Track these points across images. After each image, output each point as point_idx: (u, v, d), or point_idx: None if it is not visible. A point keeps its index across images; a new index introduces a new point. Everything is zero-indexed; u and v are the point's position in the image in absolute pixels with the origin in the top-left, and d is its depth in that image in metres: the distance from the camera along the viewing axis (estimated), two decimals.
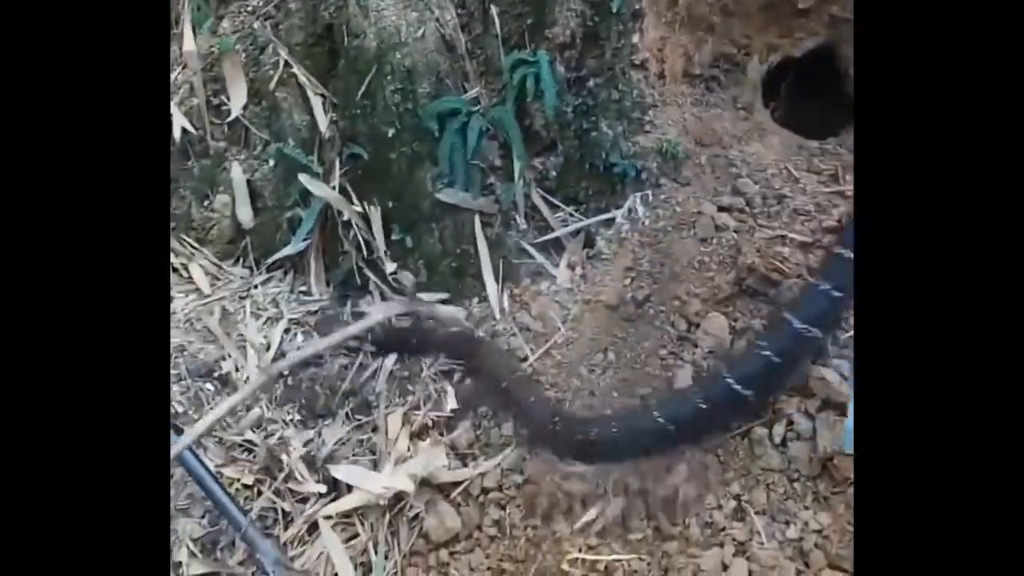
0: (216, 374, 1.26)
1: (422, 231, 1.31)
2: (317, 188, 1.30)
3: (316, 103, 1.33)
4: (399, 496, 1.07)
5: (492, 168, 1.30)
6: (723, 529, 0.90)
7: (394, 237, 1.31)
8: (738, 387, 0.91)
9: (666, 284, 1.15)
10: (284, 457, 1.16)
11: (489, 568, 1.00)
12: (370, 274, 1.33)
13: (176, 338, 1.29)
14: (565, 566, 0.94)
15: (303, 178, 1.30)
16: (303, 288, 1.41)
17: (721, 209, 1.19)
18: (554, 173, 1.31)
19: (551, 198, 1.32)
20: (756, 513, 0.89)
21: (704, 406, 0.93)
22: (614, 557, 0.93)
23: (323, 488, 1.13)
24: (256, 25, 1.38)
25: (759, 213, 1.16)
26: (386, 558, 1.03)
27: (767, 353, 0.91)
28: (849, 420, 0.85)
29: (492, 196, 1.30)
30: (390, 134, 1.26)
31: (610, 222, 1.29)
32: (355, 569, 1.05)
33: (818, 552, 0.85)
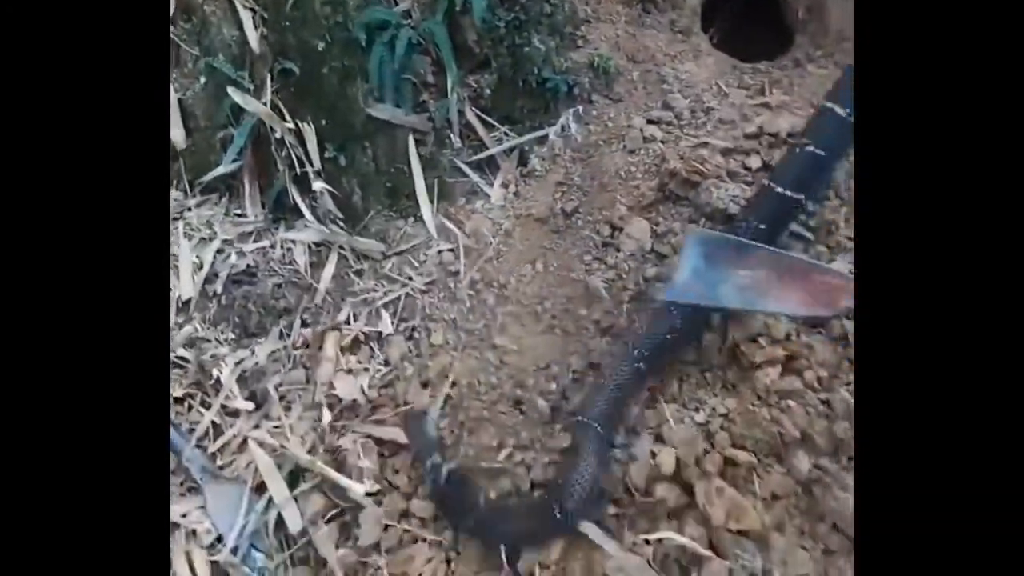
0: None
1: (355, 149, 1.30)
2: (248, 104, 1.28)
3: (246, 17, 1.30)
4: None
5: (425, 85, 1.29)
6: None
7: (328, 155, 1.30)
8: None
9: (595, 195, 1.17)
10: (215, 372, 1.16)
11: None
12: (296, 197, 1.31)
13: None
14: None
15: (233, 92, 1.27)
16: (238, 211, 1.39)
17: (650, 122, 1.20)
18: (488, 91, 1.30)
19: (486, 117, 1.32)
20: (666, 402, 0.93)
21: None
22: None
23: (251, 405, 1.14)
24: None
25: (686, 124, 1.18)
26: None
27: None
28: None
29: (426, 114, 1.30)
30: (320, 48, 1.25)
31: (544, 139, 1.30)
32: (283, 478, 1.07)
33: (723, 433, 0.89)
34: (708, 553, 0.80)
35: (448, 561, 0.94)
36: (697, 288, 0.88)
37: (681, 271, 0.89)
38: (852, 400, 0.85)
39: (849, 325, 0.90)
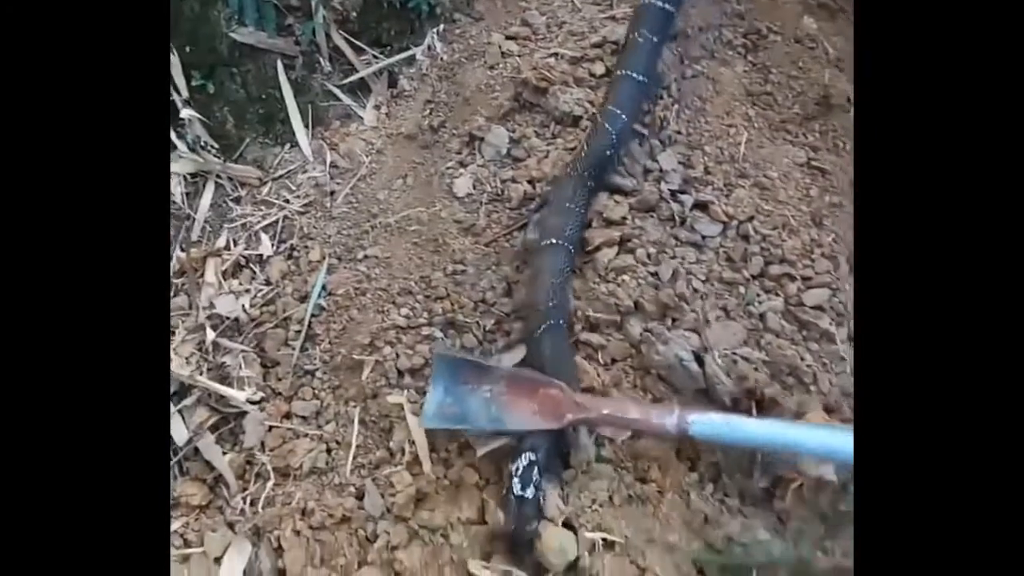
0: None
1: (224, 76, 1.30)
2: None
3: None
4: None
5: (289, 8, 1.30)
6: None
7: (195, 83, 1.29)
8: None
9: (458, 110, 1.22)
10: None
11: None
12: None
13: None
14: None
15: None
16: None
17: (508, 38, 1.25)
18: (354, 14, 1.32)
19: (353, 40, 1.34)
20: None
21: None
22: None
23: None
24: None
25: (541, 39, 1.24)
26: None
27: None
28: None
29: (292, 37, 1.31)
30: None
31: (412, 60, 1.34)
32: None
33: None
34: None
35: (328, 451, 1.01)
36: (449, 407, 0.93)
37: (434, 391, 0.95)
38: (676, 268, 0.96)
39: (676, 207, 1.01)
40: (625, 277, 0.97)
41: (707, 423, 0.82)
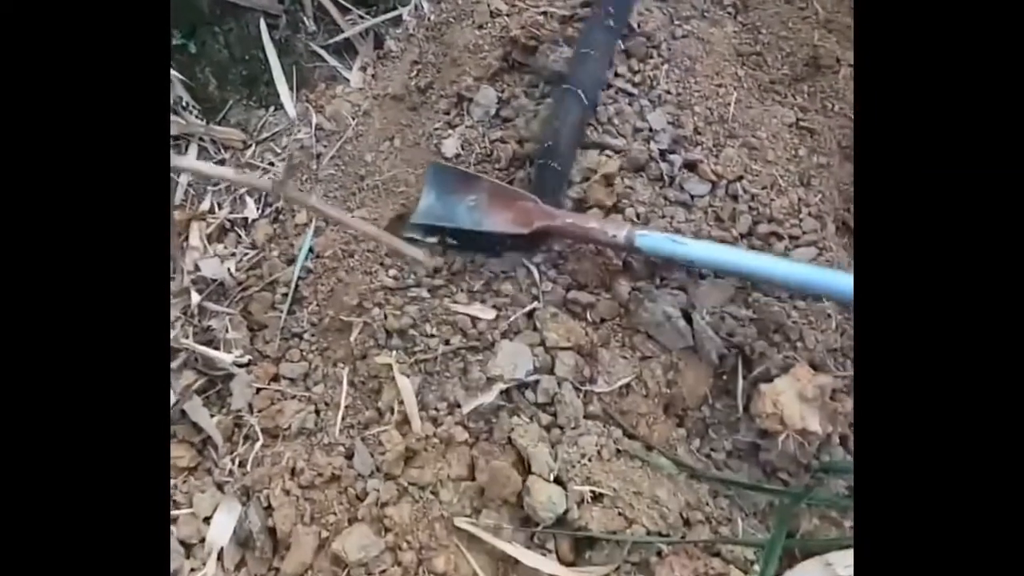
0: None
1: (206, 35, 1.27)
2: None
3: None
4: None
5: None
6: None
7: (176, 42, 1.26)
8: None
9: (447, 70, 1.20)
10: None
11: None
12: None
13: None
14: None
15: None
16: None
17: None
18: None
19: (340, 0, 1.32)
20: None
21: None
22: None
23: None
24: None
25: None
26: None
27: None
28: None
29: None
30: None
31: (398, 20, 1.31)
32: None
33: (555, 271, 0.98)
34: None
35: (317, 412, 1.01)
36: (437, 209, 1.05)
37: (426, 197, 1.07)
38: (665, 227, 0.96)
39: (666, 167, 1.00)
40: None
41: (651, 237, 0.90)
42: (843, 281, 0.80)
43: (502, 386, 0.92)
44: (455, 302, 1.00)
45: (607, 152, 1.01)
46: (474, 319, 0.98)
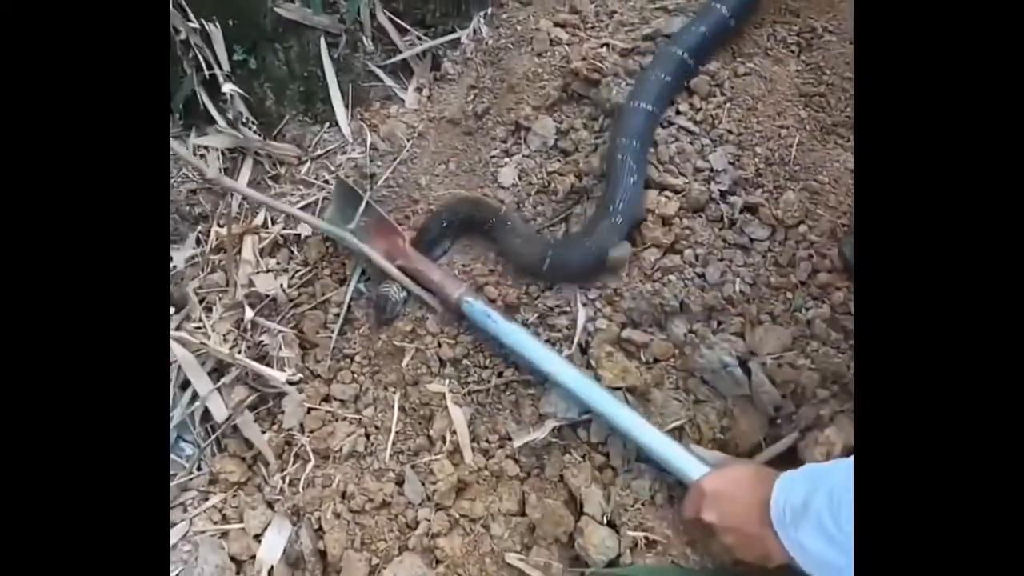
0: None
1: (266, 51, 1.29)
2: None
3: None
4: None
5: None
6: None
7: (236, 57, 1.28)
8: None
9: (504, 97, 1.20)
10: None
11: None
12: (206, 102, 1.29)
13: None
14: None
15: None
16: None
17: (557, 25, 1.23)
18: None
19: (398, 20, 1.32)
20: None
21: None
22: None
23: (172, 309, 1.17)
24: None
25: (590, 27, 1.22)
26: None
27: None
28: None
29: (336, 14, 1.29)
30: None
31: (456, 43, 1.32)
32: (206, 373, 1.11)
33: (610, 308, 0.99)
34: None
35: (367, 435, 1.02)
36: (336, 221, 1.16)
37: (333, 206, 1.21)
38: (723, 270, 0.96)
39: (726, 208, 1.00)
40: (672, 277, 0.97)
41: (474, 306, 0.98)
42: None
43: (554, 424, 0.93)
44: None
45: (667, 193, 1.00)
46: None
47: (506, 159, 1.15)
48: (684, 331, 0.95)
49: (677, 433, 0.91)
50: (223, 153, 1.32)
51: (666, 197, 1.00)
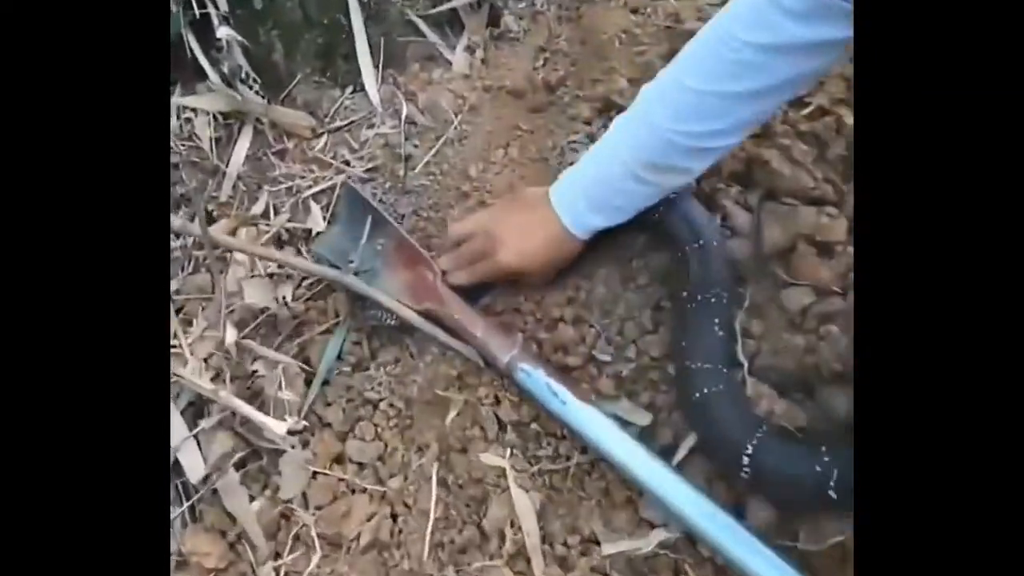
0: None
1: None
2: None
3: None
4: None
5: None
6: None
7: None
8: None
9: (586, 64, 0.92)
10: None
11: None
12: (196, 50, 0.99)
13: None
14: None
15: None
16: None
17: None
18: None
19: None
20: None
21: None
22: None
23: None
24: None
25: None
26: None
27: None
28: None
29: None
30: None
31: None
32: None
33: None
34: None
35: (394, 516, 0.75)
36: (340, 243, 0.88)
37: (339, 223, 0.92)
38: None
39: None
40: (834, 328, 0.69)
41: (533, 377, 0.72)
42: None
43: (664, 535, 0.66)
44: (598, 392, 0.73)
45: (829, 211, 0.73)
46: (623, 421, 0.71)
47: (589, 145, 0.86)
48: (847, 407, 0.68)
49: (834, 551, 0.65)
50: (215, 118, 1.03)
51: (829, 216, 0.72)
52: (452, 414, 0.76)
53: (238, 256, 0.93)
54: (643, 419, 0.71)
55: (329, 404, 0.83)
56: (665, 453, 0.69)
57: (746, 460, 0.62)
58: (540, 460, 0.72)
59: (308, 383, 0.85)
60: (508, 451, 0.73)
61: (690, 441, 0.69)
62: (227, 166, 1.01)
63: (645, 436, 0.71)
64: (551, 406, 0.70)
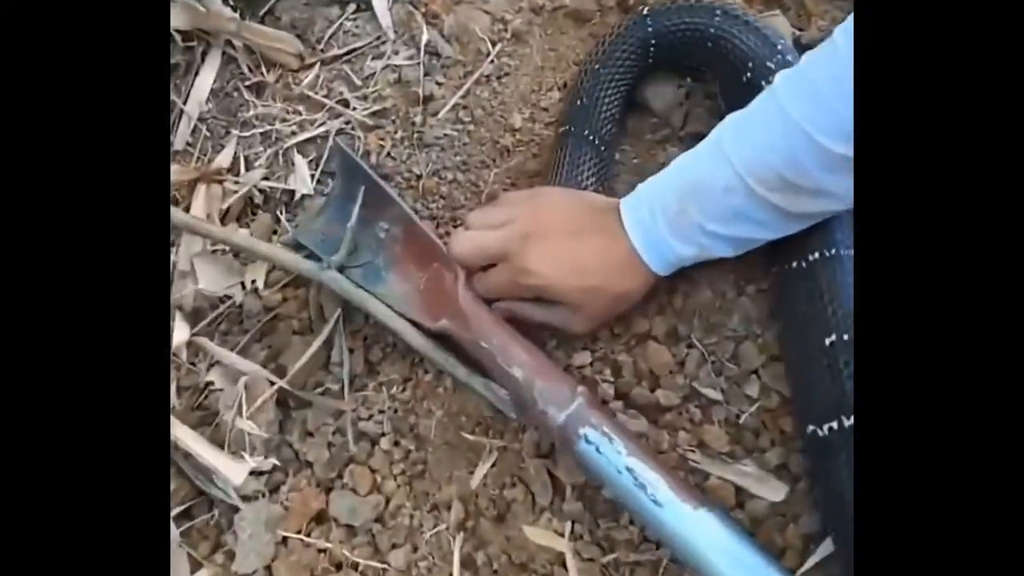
0: None
1: None
2: None
3: None
4: None
5: None
6: None
7: None
8: None
9: None
10: None
11: None
12: None
13: None
14: None
15: None
16: None
17: None
18: None
19: None
20: None
21: None
22: None
23: None
24: None
25: None
26: None
27: None
28: None
29: None
30: None
31: None
32: None
33: None
34: None
35: None
36: (332, 224, 0.63)
37: (330, 198, 0.66)
38: None
39: None
40: None
41: (603, 452, 0.46)
42: None
43: None
44: (703, 445, 0.50)
45: None
46: (747, 492, 0.48)
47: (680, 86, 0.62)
48: None
49: None
50: (173, 37, 0.78)
51: None
52: (485, 466, 0.53)
53: (195, 222, 0.69)
54: (775, 492, 0.47)
55: (310, 435, 0.60)
56: (806, 542, 0.46)
57: None
58: (616, 545, 0.49)
59: (282, 403, 0.61)
60: (568, 527, 0.50)
61: (826, 547, 0.46)
62: (185, 102, 0.77)
63: (773, 519, 0.47)
64: (635, 504, 0.45)
